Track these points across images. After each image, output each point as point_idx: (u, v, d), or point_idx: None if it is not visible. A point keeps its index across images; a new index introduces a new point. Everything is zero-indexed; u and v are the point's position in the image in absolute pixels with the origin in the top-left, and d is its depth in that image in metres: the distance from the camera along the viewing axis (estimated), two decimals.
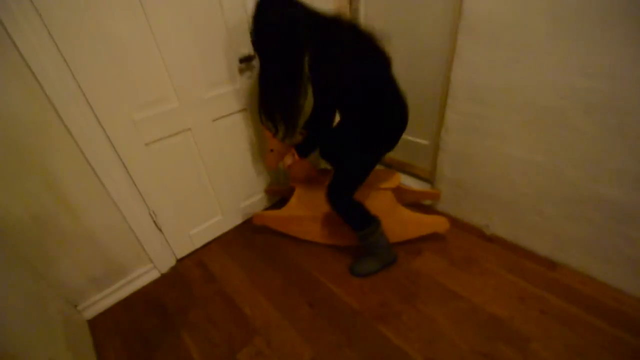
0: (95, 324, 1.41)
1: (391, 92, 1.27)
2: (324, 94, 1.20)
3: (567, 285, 1.33)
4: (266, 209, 1.98)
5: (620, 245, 1.20)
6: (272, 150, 1.52)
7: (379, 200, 1.51)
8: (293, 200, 1.64)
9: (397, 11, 1.63)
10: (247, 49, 1.50)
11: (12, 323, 0.91)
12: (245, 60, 1.49)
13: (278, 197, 2.00)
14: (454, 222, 1.70)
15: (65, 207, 1.24)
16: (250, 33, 1.17)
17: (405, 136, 1.91)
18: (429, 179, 1.82)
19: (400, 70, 1.71)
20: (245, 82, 1.57)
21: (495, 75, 1.25)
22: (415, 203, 1.84)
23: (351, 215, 1.36)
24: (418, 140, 1.87)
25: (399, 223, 1.55)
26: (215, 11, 1.36)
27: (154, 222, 1.51)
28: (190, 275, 1.61)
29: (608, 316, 1.20)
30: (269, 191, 1.94)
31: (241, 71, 1.53)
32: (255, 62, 1.54)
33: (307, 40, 1.11)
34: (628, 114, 1.01)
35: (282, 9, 1.09)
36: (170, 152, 1.45)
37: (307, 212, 1.61)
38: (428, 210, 1.82)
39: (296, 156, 1.41)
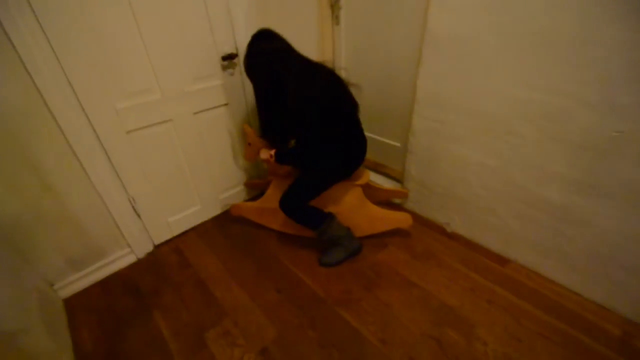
0: (70, 303, 1.47)
1: (357, 131, 1.46)
2: (302, 124, 1.34)
3: (514, 279, 1.45)
4: (245, 201, 2.06)
5: (560, 244, 1.33)
6: (249, 144, 1.61)
7: (348, 196, 1.61)
8: (269, 192, 1.72)
9: (374, 28, 1.76)
10: (229, 47, 1.59)
11: None
12: (227, 58, 1.58)
13: (257, 190, 2.08)
14: (420, 219, 1.82)
15: (47, 190, 1.30)
16: (243, 60, 1.33)
17: (380, 138, 2.04)
18: (400, 178, 1.94)
19: (378, 80, 1.86)
20: (227, 79, 1.66)
21: (453, 85, 1.38)
22: (386, 201, 1.95)
23: (304, 219, 1.49)
24: (391, 142, 1.99)
25: (366, 218, 1.65)
26: (199, 11, 1.45)
27: (133, 208, 1.58)
28: (166, 260, 1.68)
29: (547, 307, 1.32)
30: (248, 184, 2.02)
31: (224, 68, 1.62)
32: (237, 60, 1.63)
33: (288, 74, 1.28)
34: (562, 124, 1.14)
35: (269, 45, 1.28)
36: (151, 141, 1.52)
37: None
38: (398, 208, 1.93)
39: (273, 158, 1.50)
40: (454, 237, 1.70)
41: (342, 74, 1.38)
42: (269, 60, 1.28)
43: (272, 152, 1.48)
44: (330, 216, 1.49)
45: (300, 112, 1.31)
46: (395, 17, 1.63)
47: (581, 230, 1.25)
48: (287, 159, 1.49)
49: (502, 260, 1.54)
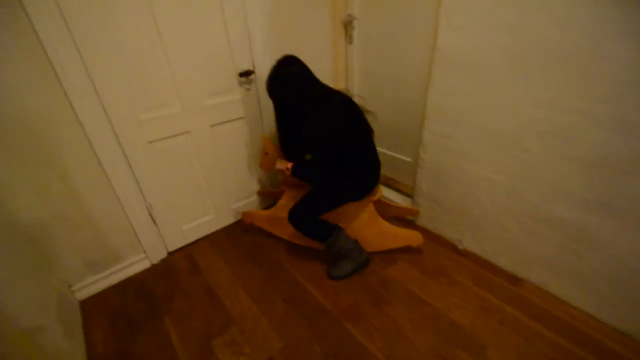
0: (86, 304, 1.53)
1: (371, 156, 1.52)
2: (317, 147, 1.40)
3: (527, 299, 1.41)
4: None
5: (574, 264, 1.29)
6: (266, 154, 1.66)
7: (360, 210, 1.62)
8: (281, 202, 1.76)
9: (386, 46, 1.81)
10: (247, 64, 1.67)
11: (11, 289, 1.02)
12: (244, 74, 1.66)
13: (270, 200, 2.12)
14: (431, 235, 1.81)
15: (71, 195, 1.38)
16: (266, 81, 1.41)
17: (392, 153, 2.06)
18: (411, 194, 1.94)
19: (389, 95, 1.90)
20: (244, 94, 1.73)
21: (462, 101, 1.40)
22: (398, 217, 1.95)
23: (312, 233, 1.52)
24: (402, 157, 2.00)
25: (377, 234, 1.65)
26: (220, 29, 1.54)
27: (150, 214, 1.64)
28: (178, 267, 1.72)
29: (561, 330, 1.27)
30: (261, 193, 2.07)
31: (241, 84, 1.70)
32: (254, 76, 1.71)
33: (307, 98, 1.36)
34: (573, 141, 1.13)
35: (292, 69, 1.37)
36: (170, 152, 1.59)
37: None
38: (409, 224, 1.92)
39: (289, 171, 1.52)
40: (465, 254, 1.67)
41: (359, 101, 1.44)
42: (290, 83, 1.37)
43: (289, 165, 1.51)
44: (338, 229, 1.50)
45: (316, 135, 1.37)
46: (406, 36, 1.68)
47: (596, 251, 1.21)
48: (302, 175, 1.52)
49: (515, 279, 1.50)
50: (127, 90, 1.38)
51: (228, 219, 1.99)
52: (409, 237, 1.65)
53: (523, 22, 1.12)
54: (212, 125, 1.68)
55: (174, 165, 1.64)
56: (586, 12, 0.99)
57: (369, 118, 1.47)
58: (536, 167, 1.26)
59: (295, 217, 1.49)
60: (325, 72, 1.99)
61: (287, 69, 1.37)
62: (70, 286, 1.50)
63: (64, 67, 1.19)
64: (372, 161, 1.52)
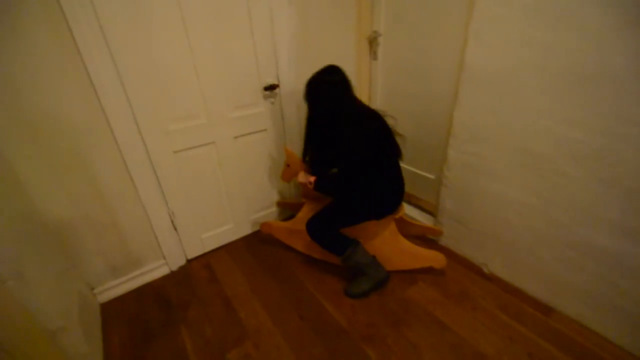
0: (106, 308, 1.56)
1: (396, 177, 1.50)
2: (344, 161, 1.39)
3: (559, 331, 1.31)
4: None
5: (611, 295, 1.19)
6: (288, 166, 1.66)
7: (381, 228, 1.58)
8: (300, 214, 1.75)
9: (411, 62, 1.80)
10: (272, 79, 1.70)
11: (39, 289, 1.06)
12: (269, 88, 1.69)
13: (289, 211, 2.12)
14: (454, 256, 1.73)
15: (99, 199, 1.43)
16: (306, 85, 1.43)
17: (414, 170, 2.01)
18: (433, 212, 1.88)
19: (413, 111, 1.87)
20: (268, 107, 1.76)
21: (491, 120, 1.35)
22: (421, 236, 1.88)
23: (329, 245, 1.49)
24: (425, 174, 1.95)
25: (398, 253, 1.60)
26: (248, 46, 1.58)
27: (172, 222, 1.67)
28: (196, 275, 1.74)
29: None
30: (281, 204, 2.07)
31: (265, 97, 1.73)
32: (278, 90, 1.74)
33: (342, 110, 1.37)
34: (613, 166, 1.06)
35: (334, 78, 1.37)
36: (194, 161, 1.63)
37: None
38: (431, 243, 1.85)
39: (312, 185, 1.50)
40: (492, 278, 1.59)
41: (391, 122, 1.42)
42: (323, 90, 1.38)
43: (312, 179, 1.50)
44: (355, 242, 1.47)
45: (345, 151, 1.36)
46: (432, 53, 1.66)
47: (636, 282, 1.11)
48: (325, 190, 1.51)
49: (546, 309, 1.40)
50: (157, 102, 1.43)
51: (246, 229, 2.00)
52: (432, 258, 1.58)
53: (557, 41, 1.08)
54: (236, 137, 1.71)
55: (197, 174, 1.67)
56: (626, 33, 0.94)
57: (399, 140, 1.45)
58: (571, 190, 1.19)
59: (313, 227, 1.47)
60: None
61: (326, 77, 1.38)
62: (92, 289, 1.54)
63: (100, 77, 1.25)
64: (396, 182, 1.50)
